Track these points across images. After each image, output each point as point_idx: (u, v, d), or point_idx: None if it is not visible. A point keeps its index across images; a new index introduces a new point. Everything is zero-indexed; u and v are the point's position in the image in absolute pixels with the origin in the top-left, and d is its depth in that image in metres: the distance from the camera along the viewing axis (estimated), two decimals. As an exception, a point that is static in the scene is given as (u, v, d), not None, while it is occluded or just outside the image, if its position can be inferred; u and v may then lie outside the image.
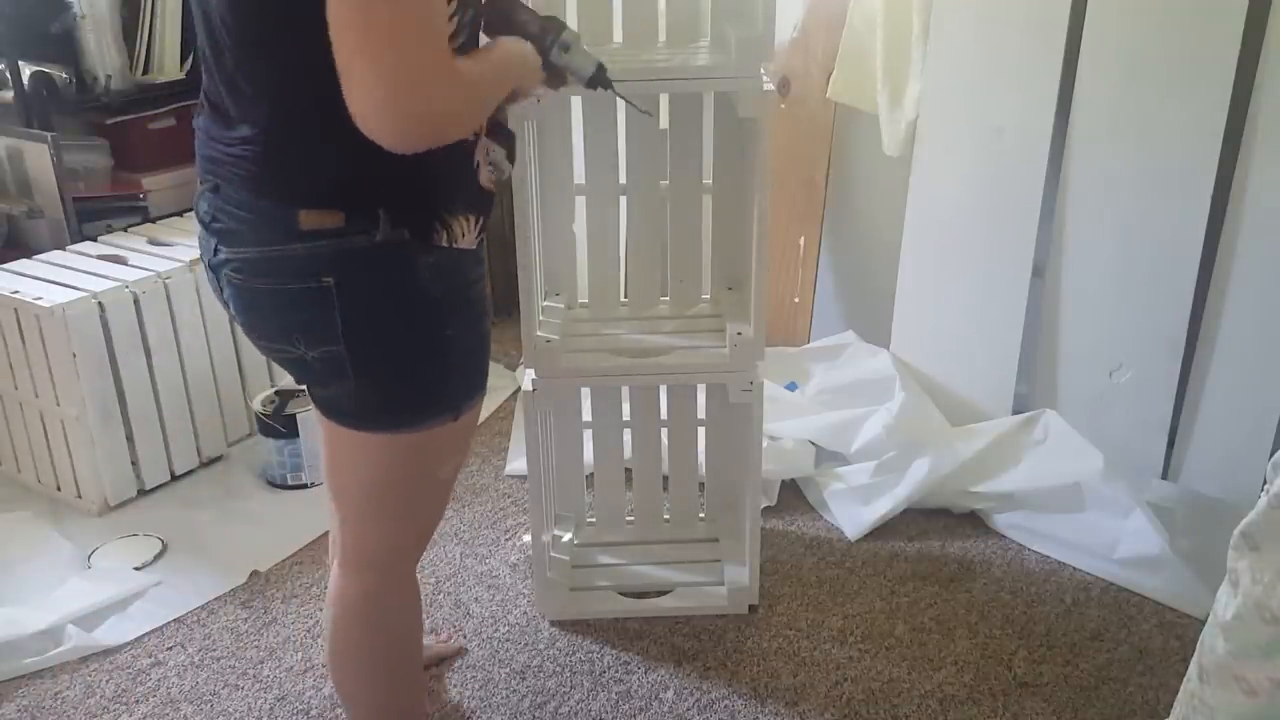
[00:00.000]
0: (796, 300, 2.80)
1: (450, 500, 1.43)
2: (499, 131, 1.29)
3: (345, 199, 1.14)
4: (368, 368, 1.20)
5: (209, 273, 1.26)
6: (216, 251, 1.21)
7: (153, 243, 2.60)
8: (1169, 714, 1.31)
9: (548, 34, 1.31)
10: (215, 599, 2.12)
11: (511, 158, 1.32)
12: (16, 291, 2.31)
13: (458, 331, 1.23)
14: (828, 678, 1.90)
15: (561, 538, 2.20)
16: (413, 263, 1.17)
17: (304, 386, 1.32)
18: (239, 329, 1.35)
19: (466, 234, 1.22)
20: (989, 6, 2.32)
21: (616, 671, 1.93)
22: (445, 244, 1.19)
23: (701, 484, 2.26)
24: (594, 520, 2.28)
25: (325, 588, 2.13)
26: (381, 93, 0.98)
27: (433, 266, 1.19)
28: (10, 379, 2.41)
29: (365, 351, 1.19)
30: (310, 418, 2.43)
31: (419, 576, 2.16)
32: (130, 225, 2.78)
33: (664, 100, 2.00)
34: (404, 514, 1.36)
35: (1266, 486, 1.16)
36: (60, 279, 2.37)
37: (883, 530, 2.29)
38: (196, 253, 2.48)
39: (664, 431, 2.19)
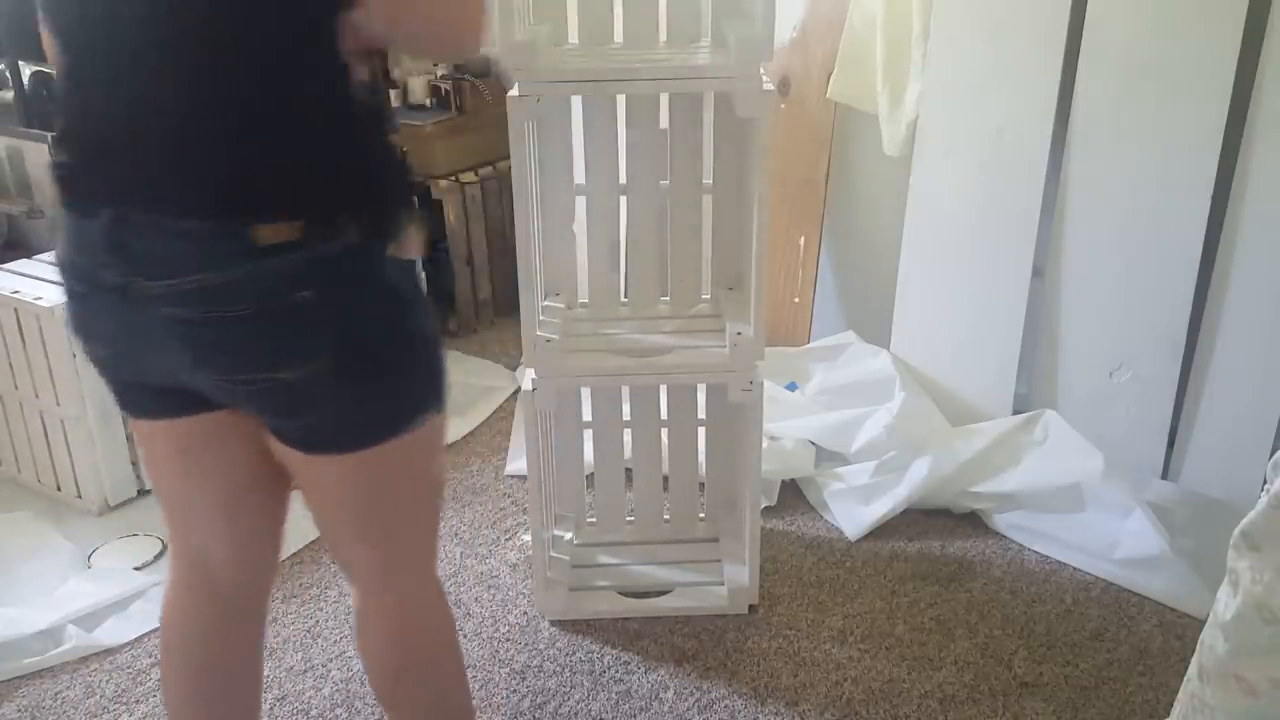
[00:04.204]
0: (796, 300, 2.80)
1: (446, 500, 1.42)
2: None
3: (305, 207, 1.08)
4: (360, 378, 1.15)
5: (116, 305, 1.12)
6: (129, 285, 1.10)
7: (153, 243, 2.60)
8: (1169, 714, 1.31)
9: None
10: (215, 599, 2.12)
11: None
12: (16, 291, 2.31)
13: (421, 324, 1.20)
14: (828, 678, 1.90)
15: (561, 538, 2.20)
16: (381, 263, 1.14)
17: (277, 428, 1.21)
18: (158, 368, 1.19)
19: (414, 240, 1.18)
20: (989, 7, 2.33)
21: (616, 671, 1.93)
22: (396, 254, 1.15)
23: (701, 484, 2.26)
24: (594, 520, 2.28)
25: (325, 588, 2.14)
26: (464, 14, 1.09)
27: (394, 264, 1.16)
28: (10, 379, 2.41)
29: (355, 361, 1.14)
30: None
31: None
32: (130, 225, 2.77)
33: (664, 100, 2.00)
34: (422, 516, 1.33)
35: (1266, 486, 1.16)
36: (61, 279, 2.37)
37: (883, 530, 2.29)
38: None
39: (664, 431, 2.19)
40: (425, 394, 1.23)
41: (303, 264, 1.08)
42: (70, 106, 1.15)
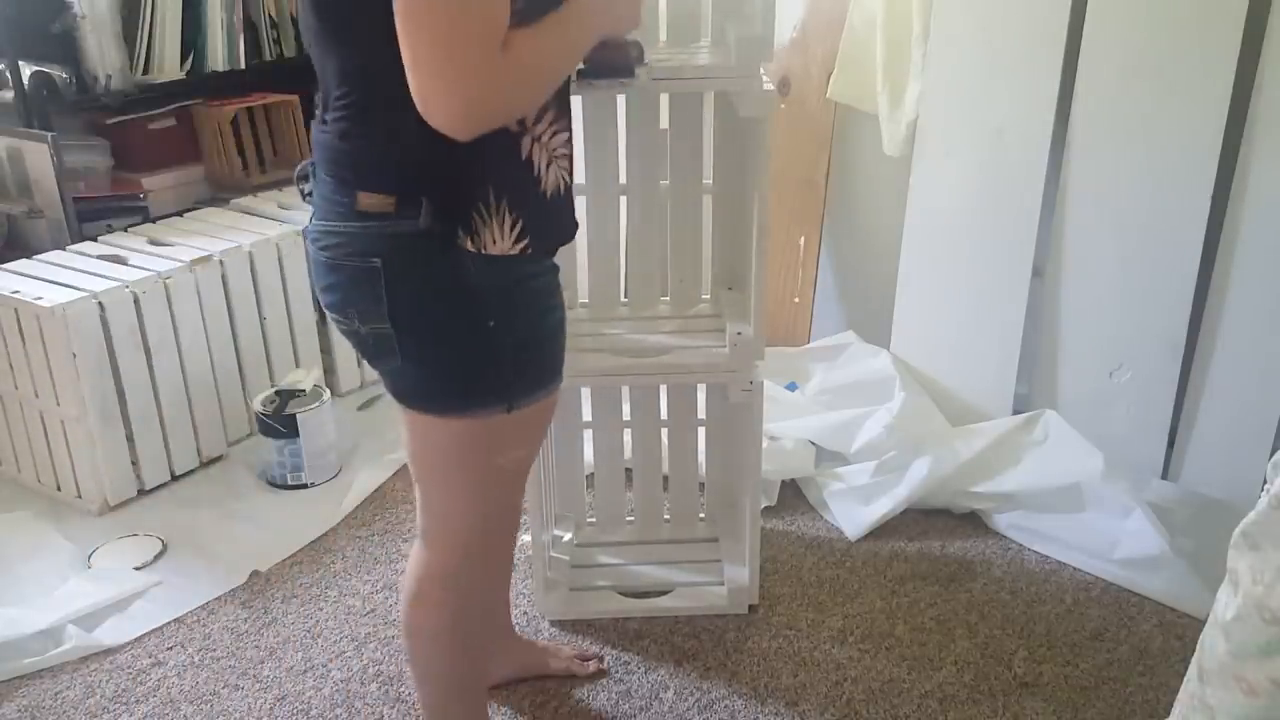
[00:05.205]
0: (796, 300, 2.80)
1: (523, 491, 1.49)
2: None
3: (398, 184, 1.21)
4: (414, 350, 1.26)
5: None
6: (311, 224, 1.33)
7: (153, 243, 2.60)
8: (1169, 714, 1.31)
9: None
10: (215, 599, 2.12)
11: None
12: (16, 291, 2.31)
13: (504, 324, 1.27)
14: (828, 678, 1.90)
15: (561, 538, 2.20)
16: (458, 254, 1.22)
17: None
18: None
19: (499, 239, 1.24)
20: (989, 7, 2.33)
21: (616, 671, 1.93)
22: (472, 248, 1.22)
23: (701, 484, 2.26)
24: (594, 520, 2.28)
25: (325, 588, 2.14)
26: (438, 81, 1.08)
27: (478, 259, 1.23)
28: (10, 379, 2.42)
29: (410, 334, 1.25)
30: (309, 418, 2.44)
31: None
32: (130, 225, 2.78)
33: (664, 100, 2.00)
34: (466, 495, 1.40)
35: (1266, 486, 1.16)
36: (60, 279, 2.37)
37: (883, 530, 2.29)
38: (197, 253, 2.51)
39: (664, 431, 2.19)
40: (483, 389, 1.30)
41: (384, 234, 1.22)
42: None
